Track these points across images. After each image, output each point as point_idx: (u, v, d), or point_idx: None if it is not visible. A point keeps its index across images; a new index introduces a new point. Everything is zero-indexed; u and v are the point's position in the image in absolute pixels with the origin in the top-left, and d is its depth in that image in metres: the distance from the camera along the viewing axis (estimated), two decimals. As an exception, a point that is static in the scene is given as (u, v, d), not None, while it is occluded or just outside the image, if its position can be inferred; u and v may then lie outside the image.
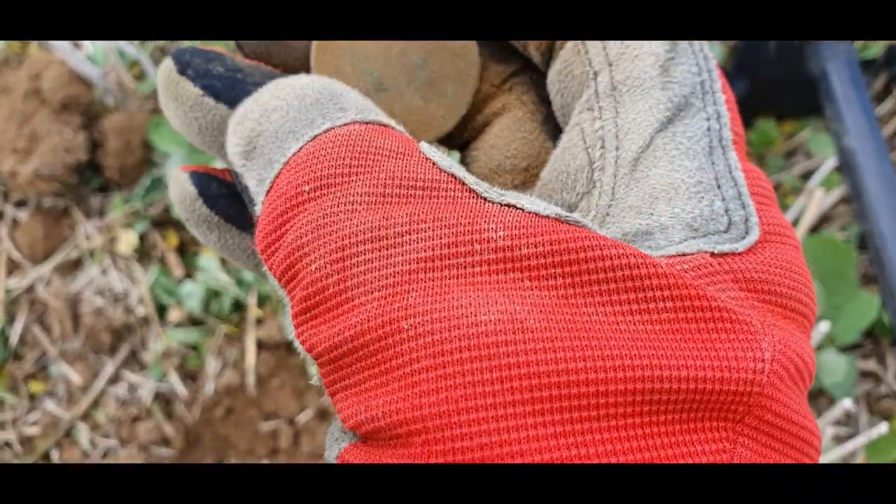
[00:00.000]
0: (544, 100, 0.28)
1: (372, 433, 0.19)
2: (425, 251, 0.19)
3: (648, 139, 0.22)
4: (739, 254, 0.20)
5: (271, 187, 0.22)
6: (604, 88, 0.23)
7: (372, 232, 0.20)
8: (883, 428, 0.73)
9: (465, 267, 0.19)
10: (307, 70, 0.27)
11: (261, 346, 1.04)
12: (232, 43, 0.28)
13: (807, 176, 1.06)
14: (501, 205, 0.20)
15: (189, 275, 1.07)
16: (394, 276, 0.19)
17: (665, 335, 0.18)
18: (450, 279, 0.19)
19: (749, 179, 0.22)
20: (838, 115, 0.81)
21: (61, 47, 1.04)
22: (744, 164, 0.23)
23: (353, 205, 0.20)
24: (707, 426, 0.18)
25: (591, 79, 0.24)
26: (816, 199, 0.96)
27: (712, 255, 0.20)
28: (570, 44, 0.25)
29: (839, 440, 0.95)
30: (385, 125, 0.23)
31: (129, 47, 1.09)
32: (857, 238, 1.02)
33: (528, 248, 0.19)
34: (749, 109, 1.07)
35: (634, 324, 0.18)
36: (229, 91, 0.25)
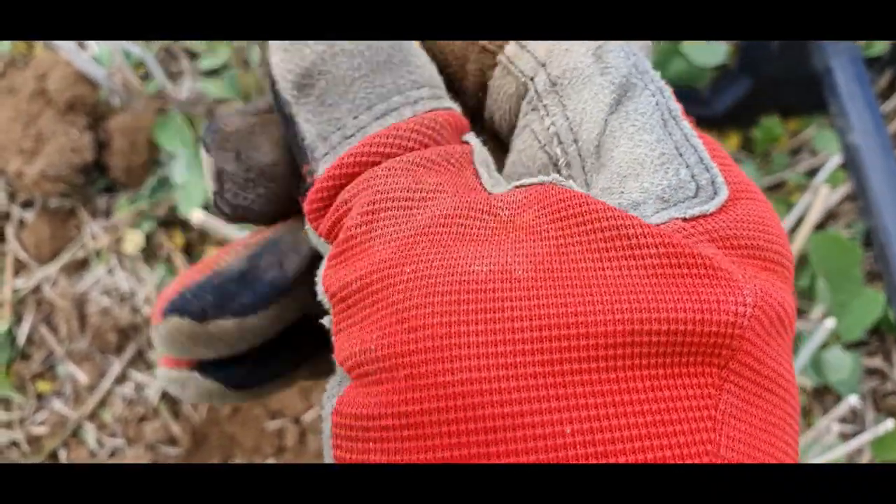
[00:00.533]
0: None
1: (363, 372, 0.19)
2: (441, 212, 0.21)
3: (603, 123, 0.22)
4: (711, 214, 0.21)
5: (341, 155, 0.23)
6: (543, 87, 0.24)
7: (402, 192, 0.21)
8: (889, 424, 0.73)
9: (470, 228, 0.20)
10: None
11: (267, 345, 1.04)
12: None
13: (812, 173, 1.06)
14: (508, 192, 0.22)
15: (195, 274, 1.08)
16: (410, 231, 0.20)
17: (652, 284, 0.19)
18: (456, 237, 0.20)
19: (706, 145, 0.23)
20: (843, 111, 0.81)
21: (67, 48, 1.04)
22: (697, 132, 0.23)
23: (392, 169, 0.22)
24: (693, 371, 0.18)
25: (528, 82, 0.24)
26: (822, 197, 0.96)
27: (684, 220, 0.21)
28: (497, 69, 0.25)
29: (845, 437, 0.95)
30: (452, 110, 0.24)
31: (135, 48, 1.09)
32: (863, 235, 1.02)
33: (527, 210, 0.20)
34: (753, 107, 1.07)
35: (622, 275, 0.19)
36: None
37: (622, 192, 0.21)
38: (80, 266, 1.11)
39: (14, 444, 1.05)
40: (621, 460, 0.17)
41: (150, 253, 1.10)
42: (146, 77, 1.17)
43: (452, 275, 0.19)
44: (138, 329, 1.07)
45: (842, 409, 0.79)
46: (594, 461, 0.17)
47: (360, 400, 0.19)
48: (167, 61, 1.19)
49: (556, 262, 0.19)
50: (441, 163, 0.22)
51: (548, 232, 0.20)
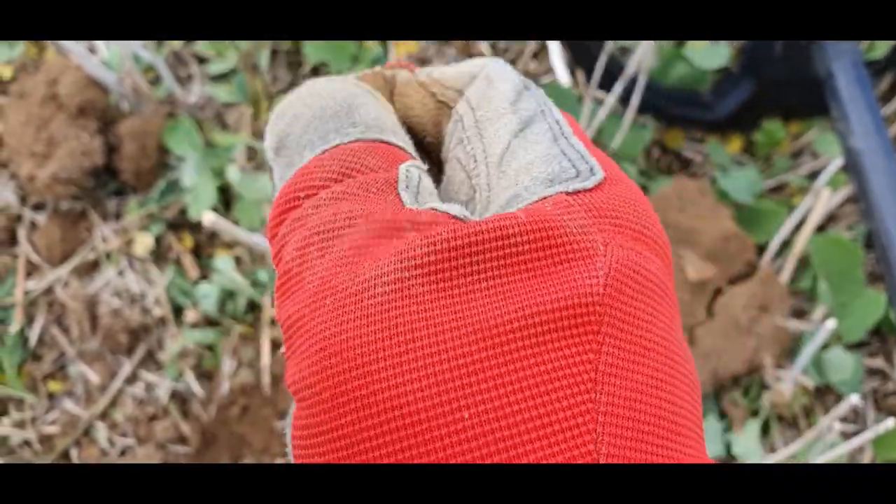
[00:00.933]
0: None
1: (301, 396, 0.23)
2: (352, 242, 0.23)
3: (507, 143, 0.27)
4: (589, 190, 0.24)
5: (281, 188, 0.27)
6: (469, 125, 0.28)
7: (325, 225, 0.24)
8: (890, 423, 0.74)
9: (376, 247, 0.23)
10: None
11: (275, 345, 1.05)
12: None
13: (813, 176, 1.07)
14: (422, 210, 0.24)
15: (204, 276, 1.09)
16: (330, 263, 0.23)
17: (525, 280, 0.22)
18: (364, 258, 0.23)
19: (587, 147, 0.27)
20: (844, 115, 0.82)
21: (77, 52, 1.06)
22: (587, 142, 0.28)
23: (321, 201, 0.25)
24: (571, 343, 0.21)
25: (458, 122, 0.29)
26: (823, 199, 0.97)
27: (567, 193, 0.24)
28: (451, 121, 0.30)
29: (846, 436, 0.96)
30: (382, 142, 0.27)
31: (145, 52, 1.10)
32: (864, 237, 1.03)
33: (421, 247, 0.22)
34: (755, 110, 1.08)
35: (501, 278, 0.22)
36: None
37: (517, 184, 0.26)
38: (91, 268, 1.12)
39: (26, 443, 1.07)
40: (514, 432, 0.20)
41: (159, 255, 1.11)
42: (155, 81, 1.18)
43: (360, 299, 0.22)
44: (148, 330, 1.08)
45: (843, 408, 0.80)
46: (491, 437, 0.20)
47: (302, 420, 0.22)
48: (176, 66, 1.20)
49: (447, 275, 0.22)
50: (359, 192, 0.25)
51: (443, 253, 0.22)
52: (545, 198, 0.24)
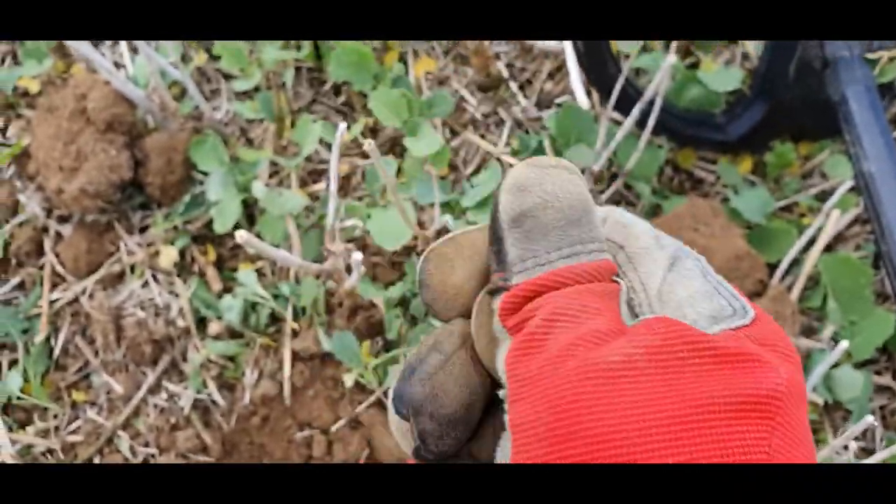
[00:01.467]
0: None
1: (529, 434, 0.29)
2: (595, 327, 0.30)
3: (662, 277, 0.33)
4: (747, 325, 0.31)
5: (534, 276, 0.32)
6: (622, 260, 0.35)
7: (573, 309, 0.30)
8: (902, 440, 0.77)
9: (610, 338, 0.30)
10: None
11: (296, 357, 1.08)
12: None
13: (823, 196, 1.10)
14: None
15: (227, 289, 1.11)
16: (574, 336, 0.30)
17: (724, 373, 0.29)
18: (601, 343, 0.29)
19: (733, 286, 0.34)
20: (857, 138, 0.85)
21: (105, 68, 1.08)
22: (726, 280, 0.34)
23: (569, 293, 0.32)
24: (751, 422, 0.28)
25: (613, 258, 0.35)
26: (833, 220, 1.00)
27: (731, 329, 0.31)
28: None
29: (855, 455, 0.98)
30: (609, 260, 0.34)
31: (171, 68, 1.13)
32: (872, 257, 1.06)
33: (646, 336, 0.30)
34: (767, 132, 1.11)
35: (705, 369, 0.29)
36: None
37: (684, 317, 0.31)
38: (116, 280, 1.14)
39: (49, 451, 1.09)
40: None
41: (183, 268, 1.13)
42: (181, 97, 1.21)
43: (597, 365, 0.28)
44: (172, 341, 1.10)
45: (858, 428, 0.82)
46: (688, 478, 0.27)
47: (530, 452, 0.29)
48: (201, 82, 1.23)
49: (663, 359, 0.28)
50: (602, 293, 0.32)
51: (664, 343, 0.29)
52: (715, 334, 0.30)
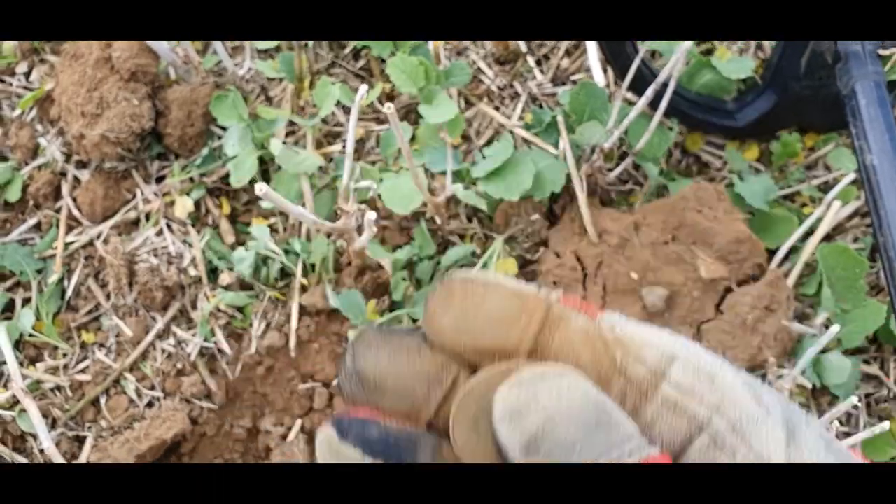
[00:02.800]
0: None
1: None
2: None
3: (784, 455, 0.29)
4: None
5: None
6: (724, 429, 0.30)
7: None
8: (886, 426, 0.80)
9: None
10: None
11: (303, 311, 1.11)
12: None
13: (825, 187, 1.13)
14: None
15: (240, 242, 1.14)
16: None
17: None
18: None
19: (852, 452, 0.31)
20: (862, 132, 0.87)
21: (132, 19, 1.10)
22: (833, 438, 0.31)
23: None
24: None
25: (704, 425, 0.30)
26: (833, 210, 1.03)
27: None
28: (658, 404, 0.31)
29: (840, 437, 1.02)
30: (654, 452, 0.29)
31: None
32: (869, 249, 1.09)
33: None
34: (775, 121, 1.13)
35: None
36: (388, 451, 0.31)
37: None
38: (131, 226, 1.17)
39: (58, 388, 1.12)
40: None
41: (197, 218, 1.16)
42: (204, 51, 1.23)
43: None
44: (184, 289, 1.13)
45: (842, 408, 0.86)
46: None
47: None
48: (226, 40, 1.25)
49: None
50: None
51: None
52: None
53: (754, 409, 0.29)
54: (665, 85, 1.01)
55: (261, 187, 0.83)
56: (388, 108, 0.85)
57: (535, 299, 0.32)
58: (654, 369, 0.31)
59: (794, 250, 1.06)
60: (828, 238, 1.10)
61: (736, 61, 1.12)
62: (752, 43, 1.20)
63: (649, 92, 1.00)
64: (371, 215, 0.92)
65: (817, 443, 0.29)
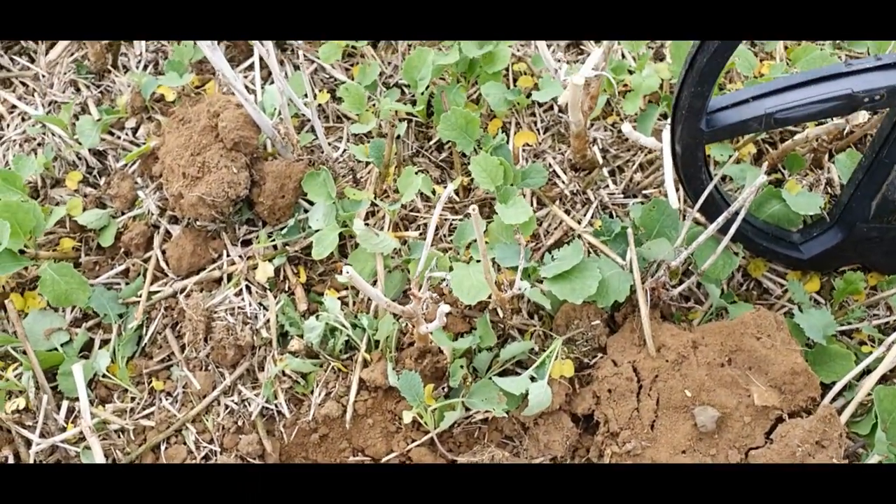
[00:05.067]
0: None
1: None
2: None
3: None
4: None
5: None
6: None
7: None
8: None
9: None
10: None
11: (362, 385, 1.15)
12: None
13: (885, 329, 1.15)
14: None
15: (311, 310, 1.20)
16: None
17: None
18: None
19: None
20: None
21: (241, 93, 1.19)
22: None
23: None
24: None
25: None
26: (893, 353, 1.04)
27: None
28: None
29: None
30: None
31: (297, 100, 1.24)
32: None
33: None
34: (839, 258, 1.16)
35: None
36: None
37: None
38: (213, 284, 1.24)
39: (122, 430, 1.17)
40: None
41: (275, 283, 1.23)
42: (300, 129, 1.31)
43: None
44: (254, 350, 1.19)
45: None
46: None
47: None
48: (320, 117, 1.34)
49: None
50: None
51: None
52: None
53: None
54: (736, 213, 1.05)
55: (347, 270, 0.89)
56: (473, 210, 0.90)
57: None
58: None
59: (848, 387, 1.08)
60: (884, 379, 1.11)
61: (806, 196, 1.16)
62: (823, 179, 1.24)
63: (720, 219, 1.04)
64: (444, 308, 0.96)
65: None
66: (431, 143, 1.34)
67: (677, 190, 1.23)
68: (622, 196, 1.28)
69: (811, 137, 1.21)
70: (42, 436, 1.16)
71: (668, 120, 1.05)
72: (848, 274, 1.16)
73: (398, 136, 1.28)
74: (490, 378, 1.12)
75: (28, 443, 1.16)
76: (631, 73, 1.30)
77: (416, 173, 1.22)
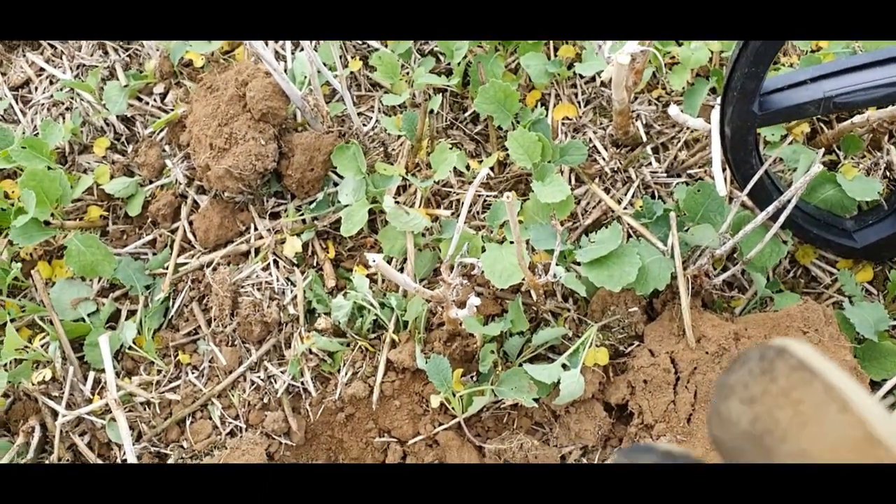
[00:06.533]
0: None
1: None
2: None
3: None
4: None
5: None
6: None
7: None
8: None
9: None
10: None
11: (390, 366, 1.12)
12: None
13: (940, 324, 1.09)
14: None
15: (339, 287, 1.17)
16: None
17: None
18: None
19: None
20: None
21: (268, 60, 1.14)
22: None
23: None
24: None
25: None
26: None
27: None
28: None
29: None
30: None
31: (327, 70, 1.19)
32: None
33: None
34: (894, 248, 1.10)
35: None
36: None
37: None
38: (241, 258, 1.21)
39: (148, 403, 1.16)
40: None
41: (303, 258, 1.20)
42: (331, 98, 1.27)
43: None
44: (281, 326, 1.17)
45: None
46: None
47: None
48: (351, 86, 1.29)
49: None
50: None
51: None
52: None
53: None
54: (788, 201, 0.99)
55: (373, 259, 0.85)
56: (508, 198, 0.86)
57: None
58: None
59: (898, 386, 1.03)
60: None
61: (862, 181, 1.09)
62: (882, 162, 1.17)
63: (771, 208, 0.98)
64: (475, 301, 0.93)
65: None
66: (466, 114, 1.28)
67: (724, 171, 1.17)
68: (665, 175, 1.22)
69: (871, 120, 1.13)
70: (68, 407, 1.15)
71: (718, 99, 0.98)
72: (904, 265, 1.10)
73: (431, 111, 1.23)
74: (521, 365, 1.09)
75: (55, 414, 1.15)
76: (679, 44, 1.23)
77: (451, 148, 1.17)
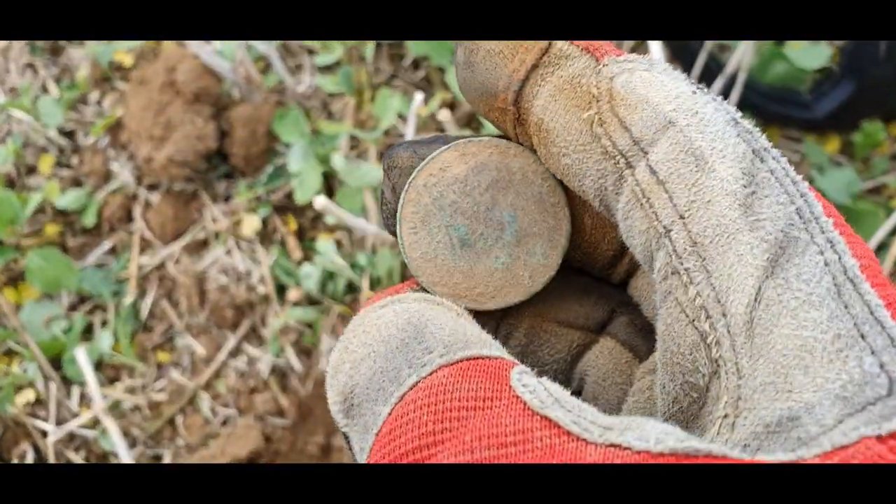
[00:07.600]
0: (645, 331, 0.28)
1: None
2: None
3: (754, 293, 0.18)
4: None
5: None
6: (682, 246, 0.20)
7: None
8: None
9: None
10: None
11: (371, 326, 1.10)
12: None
13: (914, 178, 1.06)
14: (604, 446, 0.17)
15: (307, 257, 1.15)
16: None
17: None
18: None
19: (884, 289, 0.18)
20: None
21: (193, 41, 1.12)
22: (884, 291, 0.18)
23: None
24: None
25: (663, 236, 0.20)
26: (925, 201, 0.96)
27: (879, 438, 0.15)
28: (625, 194, 0.22)
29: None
30: (474, 358, 0.21)
31: (259, 43, 1.16)
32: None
33: None
34: (855, 111, 1.07)
35: None
36: None
37: (790, 392, 0.17)
38: (201, 246, 1.19)
39: (137, 407, 1.14)
40: None
41: (265, 236, 1.17)
42: (265, 71, 1.24)
43: None
44: (253, 306, 1.14)
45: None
46: None
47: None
48: (286, 57, 1.26)
49: None
50: (495, 453, 0.18)
51: None
52: (844, 447, 0.16)
53: (733, 218, 0.19)
54: (733, 78, 0.97)
55: (319, 201, 0.83)
56: (443, 115, 0.83)
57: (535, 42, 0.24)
58: (639, 139, 0.21)
59: (881, 247, 1.00)
60: (918, 231, 1.03)
61: (810, 50, 1.07)
62: (827, 29, 1.14)
63: (717, 85, 0.96)
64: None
65: (818, 278, 0.18)
66: (406, 62, 1.26)
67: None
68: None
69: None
70: (58, 424, 1.13)
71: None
72: (867, 126, 1.07)
73: (363, 59, 1.21)
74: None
75: (44, 434, 1.13)
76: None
77: (392, 96, 1.15)
